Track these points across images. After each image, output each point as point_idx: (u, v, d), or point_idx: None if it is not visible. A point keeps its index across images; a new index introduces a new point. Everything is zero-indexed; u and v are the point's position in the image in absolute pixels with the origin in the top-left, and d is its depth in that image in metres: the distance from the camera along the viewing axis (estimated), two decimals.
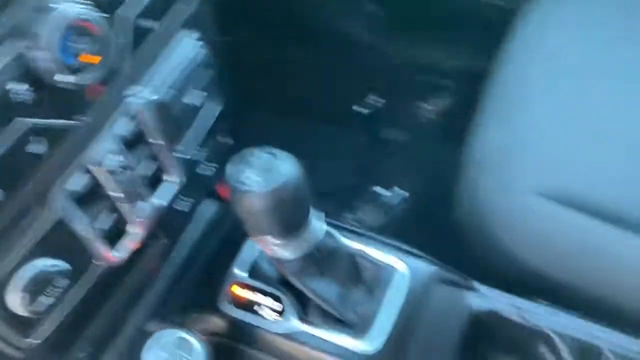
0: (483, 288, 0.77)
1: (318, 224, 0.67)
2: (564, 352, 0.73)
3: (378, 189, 1.38)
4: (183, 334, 0.62)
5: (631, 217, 0.81)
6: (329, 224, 0.77)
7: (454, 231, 0.95)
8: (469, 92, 1.05)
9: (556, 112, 0.91)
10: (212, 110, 0.69)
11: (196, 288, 0.80)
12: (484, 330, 0.76)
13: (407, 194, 1.31)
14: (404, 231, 1.24)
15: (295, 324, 0.73)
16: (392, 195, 1.33)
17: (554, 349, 0.74)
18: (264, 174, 0.62)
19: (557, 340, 0.74)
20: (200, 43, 0.64)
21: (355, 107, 1.47)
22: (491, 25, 1.09)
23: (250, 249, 0.79)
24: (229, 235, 0.83)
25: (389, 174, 1.37)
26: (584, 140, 0.88)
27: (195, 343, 0.62)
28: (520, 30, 1.01)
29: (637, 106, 0.90)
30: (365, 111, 1.47)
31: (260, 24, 1.46)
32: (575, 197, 0.82)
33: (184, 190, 0.74)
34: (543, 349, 0.75)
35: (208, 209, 0.88)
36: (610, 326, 0.75)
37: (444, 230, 0.97)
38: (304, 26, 1.45)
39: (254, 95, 1.46)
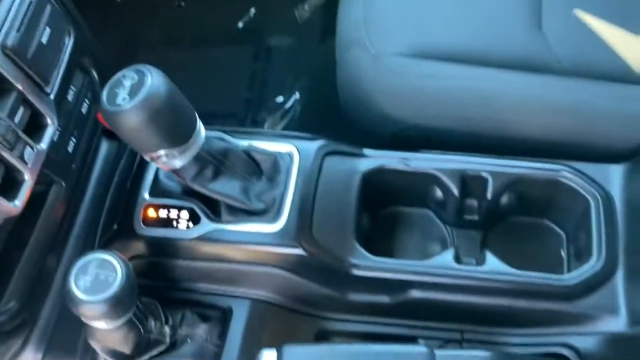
0: (371, 151, 0.84)
1: (199, 127, 0.71)
2: (450, 185, 0.82)
3: (278, 98, 1.42)
4: (103, 256, 0.66)
5: (488, 55, 0.89)
6: (219, 130, 0.81)
7: (342, 113, 1.01)
8: None
9: None
10: (63, 44, 0.70)
11: (111, 221, 0.84)
12: (376, 187, 0.83)
13: (298, 96, 1.36)
14: (302, 128, 1.29)
15: (208, 226, 0.78)
16: (287, 99, 1.38)
17: (440, 185, 0.82)
18: (134, 91, 0.65)
19: (442, 177, 0.82)
20: None
21: (239, 24, 1.48)
22: None
23: (152, 171, 0.83)
24: (130, 163, 0.86)
25: (281, 80, 1.41)
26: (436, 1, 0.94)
27: (117, 261, 0.66)
28: None
29: None
30: (248, 25, 1.49)
31: None
32: (435, 50, 0.89)
33: (70, 131, 0.76)
34: (431, 188, 0.84)
35: (104, 145, 0.91)
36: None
37: (335, 115, 1.03)
38: None
39: (140, 35, 1.46)
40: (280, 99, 1.41)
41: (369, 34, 0.91)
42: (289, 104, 1.40)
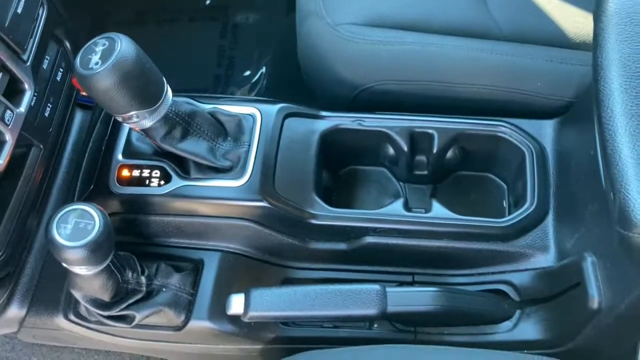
0: (328, 113, 0.91)
1: (167, 90, 0.78)
2: (400, 142, 0.89)
3: (245, 72, 1.48)
4: (82, 206, 0.72)
5: (435, 23, 0.96)
6: (186, 95, 0.88)
7: (304, 82, 1.07)
8: None
9: None
10: (37, 15, 0.76)
11: (88, 183, 0.90)
12: (335, 147, 0.90)
13: (264, 69, 1.42)
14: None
15: (178, 182, 0.84)
16: (254, 73, 1.44)
17: (392, 143, 0.90)
18: (105, 56, 0.71)
19: (393, 134, 0.89)
20: None
21: (206, 1, 1.54)
22: None
23: (125, 134, 0.89)
24: (104, 130, 0.92)
25: (248, 55, 1.47)
26: None
27: (95, 211, 0.72)
28: None
29: None
30: (215, 3, 1.54)
31: None
32: (386, 19, 0.95)
33: (47, 97, 0.82)
34: (384, 146, 0.91)
35: (78, 115, 0.97)
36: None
37: (300, 85, 1.09)
38: None
39: (109, 14, 1.50)
40: (247, 73, 1.47)
41: (325, 5, 0.98)
42: (256, 78, 1.46)
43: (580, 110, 0.83)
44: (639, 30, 0.60)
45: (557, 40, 0.94)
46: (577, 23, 0.94)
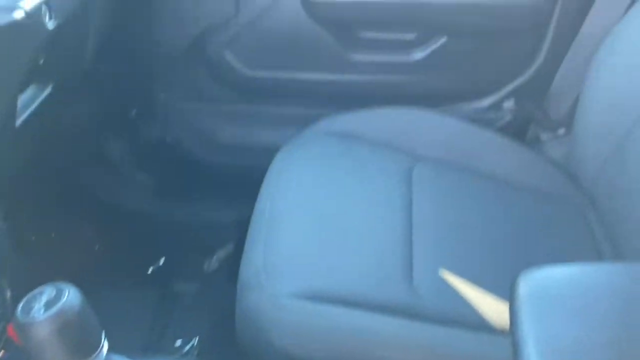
0: None
1: (103, 344, 0.77)
2: None
3: (177, 342, 1.47)
4: None
5: (367, 300, 1.03)
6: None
7: (239, 351, 1.08)
8: None
9: (303, 232, 1.14)
10: None
11: None
12: None
13: (197, 341, 1.43)
14: None
15: None
16: (185, 343, 1.44)
17: None
18: (49, 305, 0.72)
19: None
20: None
21: (149, 269, 1.60)
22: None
23: None
24: None
25: (184, 324, 1.48)
26: (326, 252, 1.11)
27: None
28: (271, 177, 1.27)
29: (364, 220, 1.17)
30: (157, 271, 1.60)
31: (44, 206, 1.56)
32: (324, 294, 1.02)
33: None
34: None
35: None
36: None
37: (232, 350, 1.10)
38: (86, 203, 1.59)
39: (52, 275, 1.51)
40: (178, 342, 1.46)
41: (267, 277, 1.05)
42: (186, 349, 1.45)
43: None
44: (547, 312, 0.68)
45: (483, 326, 1.02)
46: (498, 309, 1.03)
